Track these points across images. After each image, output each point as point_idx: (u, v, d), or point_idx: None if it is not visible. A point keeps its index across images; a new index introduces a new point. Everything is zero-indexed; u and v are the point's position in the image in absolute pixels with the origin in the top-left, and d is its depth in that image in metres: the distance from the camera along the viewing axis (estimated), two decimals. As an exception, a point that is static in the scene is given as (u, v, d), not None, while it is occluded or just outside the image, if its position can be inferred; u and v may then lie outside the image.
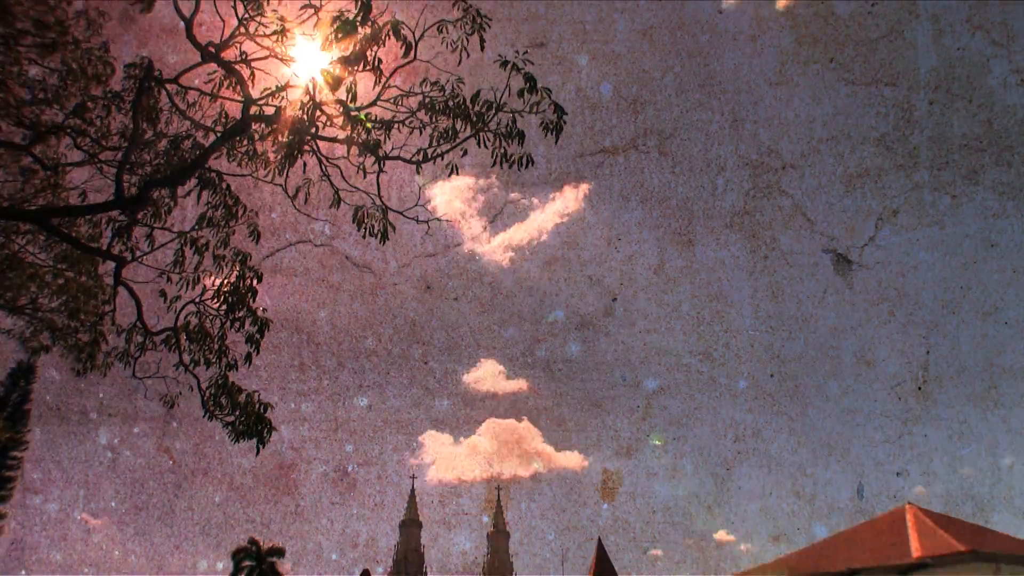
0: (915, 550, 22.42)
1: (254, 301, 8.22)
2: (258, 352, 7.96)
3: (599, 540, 56.78)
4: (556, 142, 7.27)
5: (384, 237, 7.43)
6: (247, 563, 46.50)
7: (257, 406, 7.78)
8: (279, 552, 48.27)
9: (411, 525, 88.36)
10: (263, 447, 7.69)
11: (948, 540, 22.62)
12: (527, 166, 7.35)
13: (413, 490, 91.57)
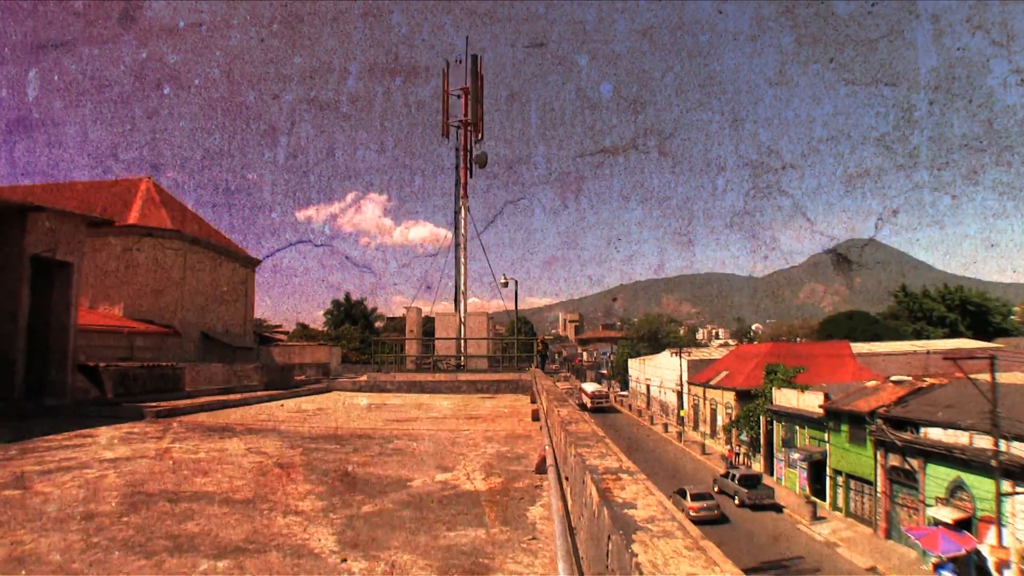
0: (132, 217, 28.22)
1: None
2: None
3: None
4: None
5: None
6: None
7: None
8: None
9: None
10: None
11: (162, 217, 29.41)
12: None
13: None
